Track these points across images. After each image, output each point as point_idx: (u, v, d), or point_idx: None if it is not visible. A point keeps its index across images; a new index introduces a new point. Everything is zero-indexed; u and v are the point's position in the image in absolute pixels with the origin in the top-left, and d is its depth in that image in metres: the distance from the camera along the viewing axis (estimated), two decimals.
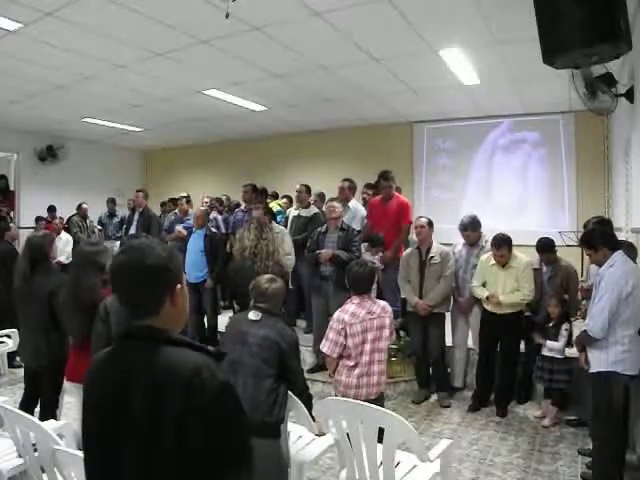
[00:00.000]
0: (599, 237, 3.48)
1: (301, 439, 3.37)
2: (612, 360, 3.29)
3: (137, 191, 8.52)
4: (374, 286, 5.59)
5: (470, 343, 5.50)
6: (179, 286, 1.44)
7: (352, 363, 3.55)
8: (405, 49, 5.86)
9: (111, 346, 1.46)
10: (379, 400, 3.72)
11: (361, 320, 3.59)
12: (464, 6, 4.75)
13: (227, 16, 3.84)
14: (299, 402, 3.07)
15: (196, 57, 6.09)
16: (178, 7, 4.78)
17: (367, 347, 3.58)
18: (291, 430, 3.26)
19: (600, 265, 3.44)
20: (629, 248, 3.77)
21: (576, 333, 4.67)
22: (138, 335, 1.39)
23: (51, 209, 10.11)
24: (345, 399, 3.52)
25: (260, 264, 3.87)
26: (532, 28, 3.37)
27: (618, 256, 3.35)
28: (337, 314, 3.67)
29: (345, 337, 3.56)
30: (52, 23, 5.05)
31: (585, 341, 3.45)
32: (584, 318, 4.44)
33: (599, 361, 3.35)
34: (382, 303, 3.79)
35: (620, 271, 3.28)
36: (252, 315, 2.98)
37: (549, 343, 4.64)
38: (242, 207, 7.30)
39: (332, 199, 5.75)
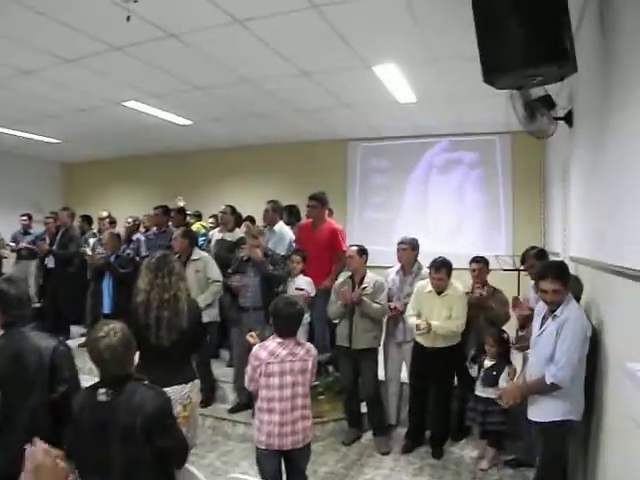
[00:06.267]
0: (568, 273, 3.18)
1: None
2: (569, 409, 3.03)
3: (62, 209, 7.86)
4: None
5: (404, 377, 5.14)
6: None
7: (266, 406, 3.22)
8: (336, 63, 5.51)
9: None
10: (307, 449, 3.35)
11: (280, 361, 3.22)
12: (400, 20, 4.47)
13: (128, 19, 3.41)
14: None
15: (109, 65, 5.56)
16: (81, 7, 4.25)
17: (287, 392, 3.22)
18: None
19: (558, 304, 3.11)
20: (575, 283, 3.46)
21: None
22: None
23: None
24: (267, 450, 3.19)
25: (153, 313, 3.27)
26: (472, 46, 3.05)
27: (569, 294, 3.12)
28: (255, 349, 3.29)
29: (260, 375, 3.21)
30: None
31: (546, 391, 3.09)
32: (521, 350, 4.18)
33: (555, 410, 3.06)
34: (307, 345, 3.40)
35: (580, 312, 3.04)
36: (101, 395, 2.23)
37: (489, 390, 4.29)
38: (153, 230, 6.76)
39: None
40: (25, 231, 8.95)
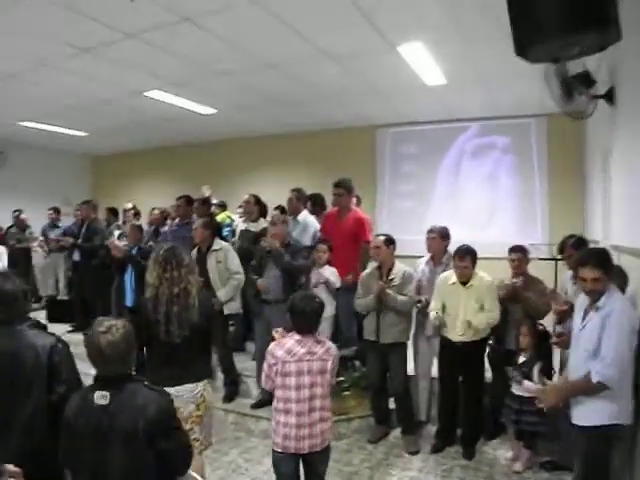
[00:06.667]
0: (610, 260, 2.90)
1: None
2: (617, 411, 2.75)
3: (83, 203, 7.83)
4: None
5: (434, 372, 4.90)
6: None
7: (282, 407, 3.03)
8: (360, 43, 5.26)
9: None
10: (325, 452, 3.13)
11: (297, 360, 3.02)
12: None
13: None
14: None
15: (126, 53, 5.42)
16: None
17: (304, 393, 3.02)
18: None
19: (600, 293, 2.84)
20: (618, 274, 3.16)
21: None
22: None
23: None
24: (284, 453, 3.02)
25: (162, 308, 3.08)
26: (503, 19, 2.79)
27: (613, 284, 2.84)
28: (272, 346, 3.11)
29: (276, 374, 3.03)
30: None
31: (592, 391, 2.81)
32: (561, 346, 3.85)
33: (601, 412, 2.78)
34: (328, 344, 3.18)
35: (627, 303, 2.77)
36: (99, 398, 2.06)
37: (526, 384, 4.00)
38: (176, 221, 6.62)
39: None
40: (53, 224, 9.00)
